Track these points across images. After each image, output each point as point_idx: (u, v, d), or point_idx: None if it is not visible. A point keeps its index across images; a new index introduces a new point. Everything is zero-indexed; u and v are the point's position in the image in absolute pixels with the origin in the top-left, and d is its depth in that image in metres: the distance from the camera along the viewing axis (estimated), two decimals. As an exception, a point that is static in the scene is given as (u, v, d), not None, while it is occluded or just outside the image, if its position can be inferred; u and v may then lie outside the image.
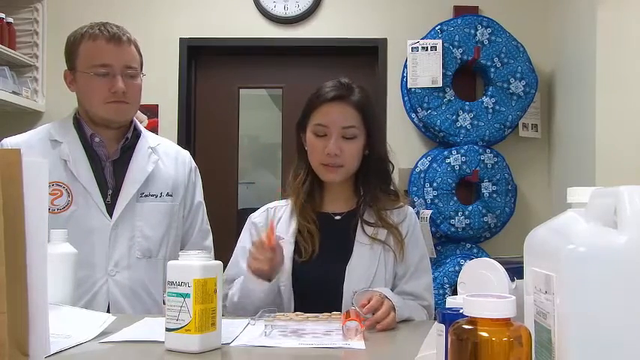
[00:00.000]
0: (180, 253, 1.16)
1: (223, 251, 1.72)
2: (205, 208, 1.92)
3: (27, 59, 3.33)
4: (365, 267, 1.55)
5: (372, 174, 1.63)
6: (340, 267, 1.55)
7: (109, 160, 1.74)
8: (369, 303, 1.34)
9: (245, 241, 1.67)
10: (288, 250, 1.58)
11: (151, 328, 1.29)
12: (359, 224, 1.61)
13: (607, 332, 0.60)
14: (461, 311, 0.70)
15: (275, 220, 1.65)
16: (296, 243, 1.59)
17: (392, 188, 1.67)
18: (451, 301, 0.86)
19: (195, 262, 1.12)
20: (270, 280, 1.48)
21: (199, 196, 1.90)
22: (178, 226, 1.81)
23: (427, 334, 1.09)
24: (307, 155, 1.63)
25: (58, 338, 1.11)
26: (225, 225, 3.31)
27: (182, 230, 1.84)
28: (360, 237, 1.59)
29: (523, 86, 3.20)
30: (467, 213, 3.14)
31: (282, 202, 1.70)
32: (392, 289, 1.57)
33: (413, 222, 1.65)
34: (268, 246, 1.44)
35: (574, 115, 2.99)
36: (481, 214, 3.14)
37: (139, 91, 1.76)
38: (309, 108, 1.61)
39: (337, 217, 1.64)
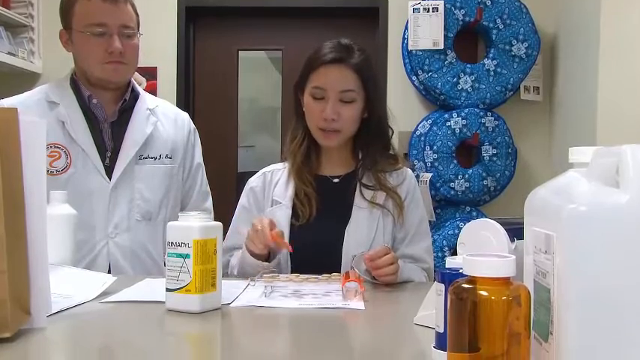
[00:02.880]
0: (180, 214, 1.16)
1: (223, 214, 1.72)
2: (205, 170, 1.92)
3: (22, 19, 3.27)
4: (364, 231, 1.55)
5: (372, 137, 1.61)
6: (339, 230, 1.55)
7: (107, 121, 1.72)
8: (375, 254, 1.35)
9: (243, 206, 1.66)
10: (285, 214, 1.57)
11: (151, 288, 1.30)
12: (357, 188, 1.60)
13: (607, 291, 0.60)
14: (460, 271, 0.70)
15: (272, 184, 1.64)
16: (293, 207, 1.58)
17: (391, 152, 1.66)
18: (451, 261, 0.86)
19: (194, 223, 1.12)
20: (268, 261, 1.46)
21: (199, 157, 1.89)
22: (178, 188, 1.81)
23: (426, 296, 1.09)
24: (305, 117, 1.61)
25: (59, 298, 1.12)
26: (225, 188, 3.31)
27: (182, 192, 1.84)
28: (358, 201, 1.58)
29: (525, 48, 3.16)
30: (467, 176, 3.14)
31: (280, 165, 1.69)
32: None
33: (412, 185, 1.64)
34: (265, 241, 1.40)
35: (576, 77, 2.95)
36: (481, 178, 3.14)
37: (137, 52, 1.74)
38: (308, 69, 1.57)
39: (335, 180, 1.63)
